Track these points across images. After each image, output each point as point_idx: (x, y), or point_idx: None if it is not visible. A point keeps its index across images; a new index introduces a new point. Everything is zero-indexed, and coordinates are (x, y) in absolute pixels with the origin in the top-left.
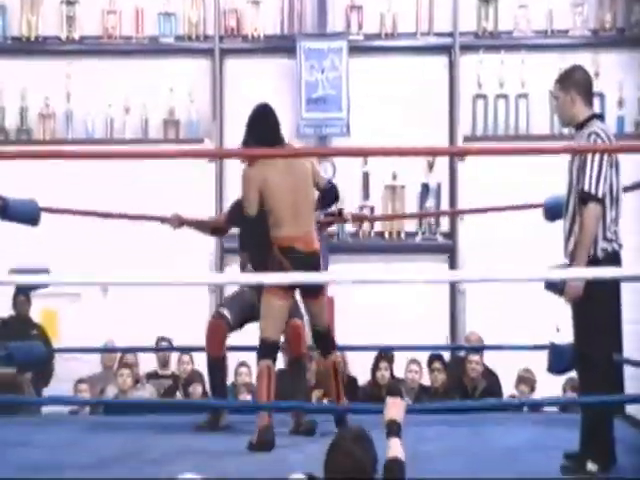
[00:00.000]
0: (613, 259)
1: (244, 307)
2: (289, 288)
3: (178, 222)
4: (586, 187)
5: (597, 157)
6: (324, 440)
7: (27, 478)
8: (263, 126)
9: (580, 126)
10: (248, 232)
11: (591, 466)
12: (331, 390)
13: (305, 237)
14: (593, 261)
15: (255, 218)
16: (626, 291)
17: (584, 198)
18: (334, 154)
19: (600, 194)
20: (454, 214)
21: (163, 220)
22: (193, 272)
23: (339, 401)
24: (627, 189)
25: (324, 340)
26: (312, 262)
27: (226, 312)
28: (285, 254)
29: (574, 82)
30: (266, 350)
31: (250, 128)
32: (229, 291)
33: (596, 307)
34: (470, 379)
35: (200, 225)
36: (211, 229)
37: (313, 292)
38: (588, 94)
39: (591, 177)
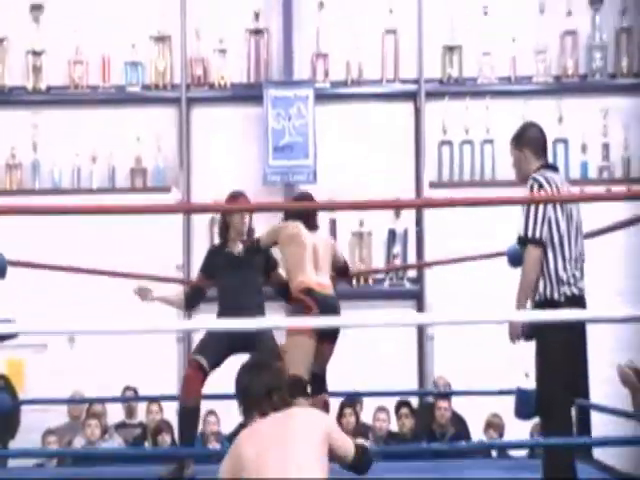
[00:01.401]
0: (572, 302)
1: (218, 347)
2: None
3: (148, 296)
4: (522, 231)
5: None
6: None
7: None
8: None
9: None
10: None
11: None
12: None
13: (323, 284)
14: (550, 304)
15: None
16: None
17: (523, 242)
18: (301, 207)
19: (537, 236)
20: (420, 267)
21: (134, 291)
22: (161, 320)
23: None
24: (593, 234)
25: (320, 382)
26: (334, 304)
27: (201, 359)
28: (305, 294)
29: (526, 140)
30: (302, 389)
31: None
32: (196, 340)
33: (555, 350)
34: (439, 425)
35: (172, 298)
36: (186, 300)
37: (333, 336)
38: (540, 149)
39: (528, 221)
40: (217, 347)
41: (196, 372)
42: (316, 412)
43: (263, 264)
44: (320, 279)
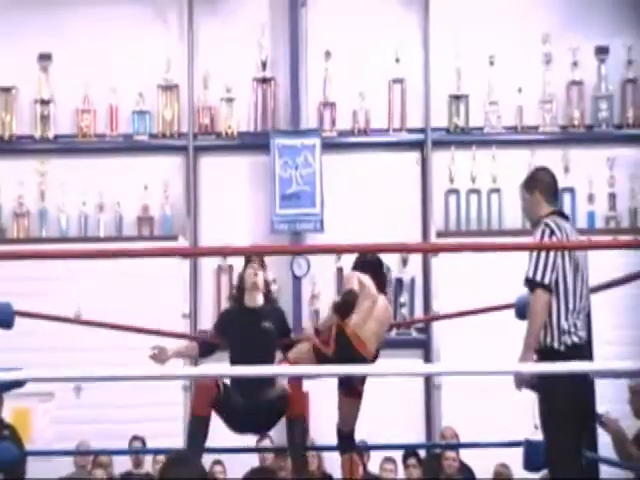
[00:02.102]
0: (575, 351)
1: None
2: None
3: (165, 356)
4: (530, 274)
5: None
6: None
7: None
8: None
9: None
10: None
11: None
12: None
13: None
14: (552, 353)
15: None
16: None
17: (531, 286)
18: (308, 252)
19: (547, 281)
20: (428, 320)
21: (150, 356)
22: (167, 368)
23: None
24: (601, 287)
25: (347, 440)
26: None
27: (219, 380)
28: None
29: (538, 184)
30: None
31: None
32: None
33: (559, 402)
34: (447, 476)
35: (187, 351)
36: (200, 351)
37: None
38: (551, 193)
39: (537, 264)
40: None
41: (212, 384)
42: None
43: (280, 321)
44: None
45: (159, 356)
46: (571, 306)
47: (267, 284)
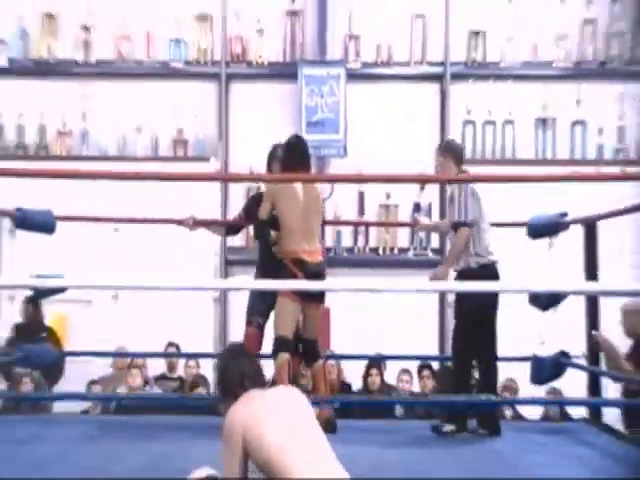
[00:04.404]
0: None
1: (263, 306)
2: (299, 293)
3: (193, 223)
4: (456, 217)
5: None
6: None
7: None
8: (295, 154)
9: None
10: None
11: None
12: (323, 392)
13: (312, 252)
14: (470, 271)
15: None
16: None
17: (455, 226)
18: (333, 180)
19: (469, 220)
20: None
21: (179, 222)
22: (201, 278)
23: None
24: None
25: (312, 350)
26: (319, 271)
27: (258, 319)
28: (297, 265)
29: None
30: (283, 345)
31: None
32: (232, 301)
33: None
34: None
35: (214, 225)
36: (226, 228)
37: (317, 299)
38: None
39: (460, 209)
40: (263, 306)
41: (255, 330)
42: (291, 389)
43: None
44: (311, 246)
45: (188, 222)
46: (484, 237)
47: None
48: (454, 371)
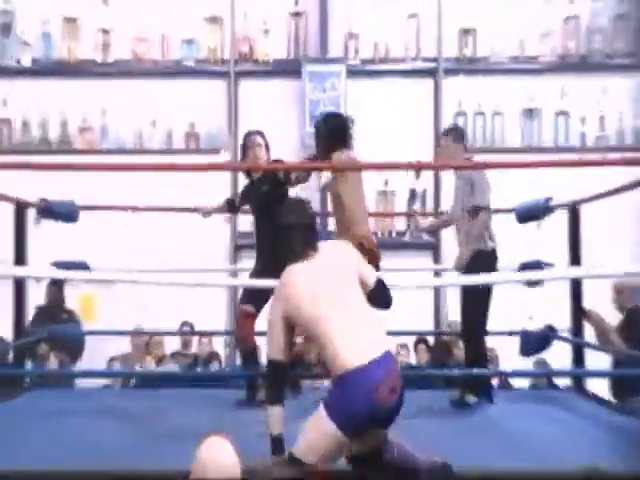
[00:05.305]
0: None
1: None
2: None
3: (207, 211)
4: (476, 202)
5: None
6: None
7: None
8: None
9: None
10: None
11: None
12: None
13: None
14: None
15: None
16: None
17: (475, 210)
18: (332, 168)
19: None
20: (436, 215)
21: (194, 210)
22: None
23: None
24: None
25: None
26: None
27: (249, 307)
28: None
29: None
30: None
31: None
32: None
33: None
34: (454, 359)
35: (219, 208)
36: (228, 208)
37: None
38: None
39: (481, 195)
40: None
41: (247, 318)
42: (342, 246)
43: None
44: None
45: (202, 209)
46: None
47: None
48: (472, 348)
